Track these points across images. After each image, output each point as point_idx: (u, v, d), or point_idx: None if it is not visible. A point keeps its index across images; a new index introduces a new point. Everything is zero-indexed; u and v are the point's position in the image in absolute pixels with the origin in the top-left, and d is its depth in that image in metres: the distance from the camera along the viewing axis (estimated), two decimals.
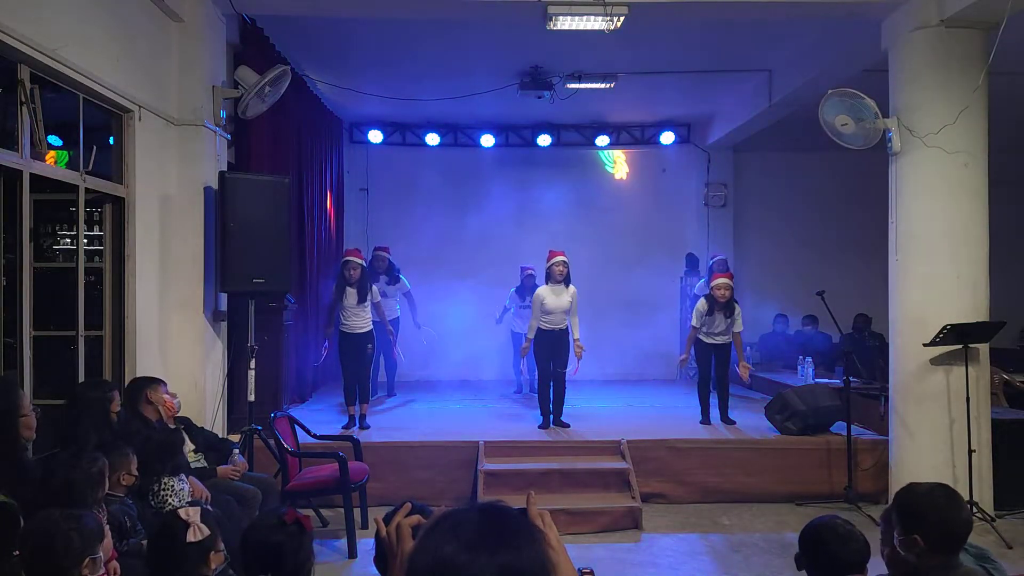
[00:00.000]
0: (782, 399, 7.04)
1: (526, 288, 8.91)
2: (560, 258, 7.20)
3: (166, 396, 4.57)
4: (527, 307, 8.25)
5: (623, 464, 6.46)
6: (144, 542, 3.27)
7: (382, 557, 1.67)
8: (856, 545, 2.52)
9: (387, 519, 1.64)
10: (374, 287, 7.35)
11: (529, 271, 9.01)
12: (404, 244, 10.11)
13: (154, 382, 4.62)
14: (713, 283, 7.41)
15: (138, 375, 5.25)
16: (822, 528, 2.57)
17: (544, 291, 7.17)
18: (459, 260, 10.67)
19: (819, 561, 2.54)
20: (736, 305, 7.35)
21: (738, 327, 7.35)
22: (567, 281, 7.16)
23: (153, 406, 4.50)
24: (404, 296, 8.90)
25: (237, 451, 5.08)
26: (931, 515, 2.46)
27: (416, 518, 1.54)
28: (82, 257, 4.98)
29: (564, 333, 7.17)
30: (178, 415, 4.80)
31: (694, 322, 7.46)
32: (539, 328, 7.18)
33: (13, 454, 3.32)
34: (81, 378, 4.86)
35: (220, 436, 5.58)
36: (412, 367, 10.07)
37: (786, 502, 6.44)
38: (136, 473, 3.63)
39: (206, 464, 4.73)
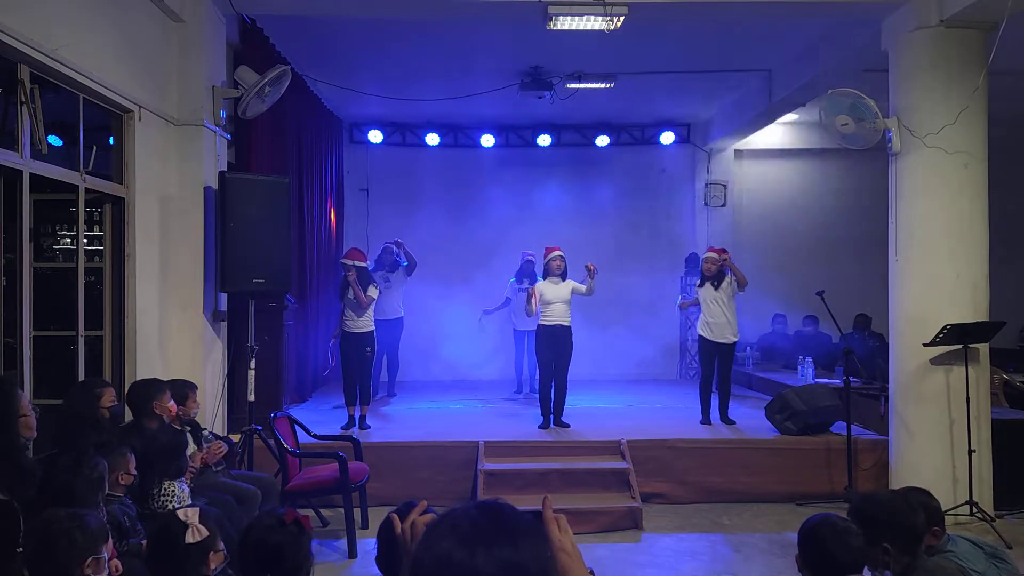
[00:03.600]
0: (782, 399, 7.04)
1: (524, 272, 8.99)
2: (557, 253, 7.27)
3: (170, 404, 4.52)
4: (525, 289, 8.26)
5: (623, 464, 6.46)
6: (144, 542, 3.27)
7: (389, 556, 1.66)
8: (854, 542, 2.52)
9: (400, 516, 1.64)
10: (372, 286, 7.25)
11: (529, 256, 9.06)
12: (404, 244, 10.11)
13: (161, 390, 4.51)
14: (703, 256, 7.64)
15: (138, 375, 5.25)
16: (819, 526, 2.56)
17: (542, 284, 7.24)
18: (459, 260, 10.67)
19: (818, 559, 2.54)
20: (726, 278, 7.39)
21: (733, 291, 7.37)
22: (564, 275, 7.22)
23: (159, 416, 4.45)
24: (408, 274, 8.80)
25: (208, 431, 5.06)
26: (896, 522, 2.58)
27: (430, 516, 1.54)
28: (82, 257, 4.98)
29: (566, 330, 7.17)
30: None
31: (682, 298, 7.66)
32: (540, 324, 7.21)
33: (12, 454, 3.32)
34: (81, 378, 4.86)
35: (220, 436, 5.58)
36: (412, 367, 10.07)
37: (786, 502, 6.44)
38: (134, 472, 3.63)
39: None
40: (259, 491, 4.75)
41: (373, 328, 7.23)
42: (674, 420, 7.67)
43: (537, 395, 7.59)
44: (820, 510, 5.63)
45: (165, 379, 4.99)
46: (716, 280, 7.40)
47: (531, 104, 9.23)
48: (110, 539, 2.70)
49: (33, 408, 3.56)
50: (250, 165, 6.98)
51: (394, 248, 8.77)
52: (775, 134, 10.87)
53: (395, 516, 1.68)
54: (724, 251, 7.64)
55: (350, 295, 7.06)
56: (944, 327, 5.75)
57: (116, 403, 4.24)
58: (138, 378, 5.18)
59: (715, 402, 7.47)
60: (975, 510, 5.76)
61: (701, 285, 7.48)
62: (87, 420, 3.95)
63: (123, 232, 5.42)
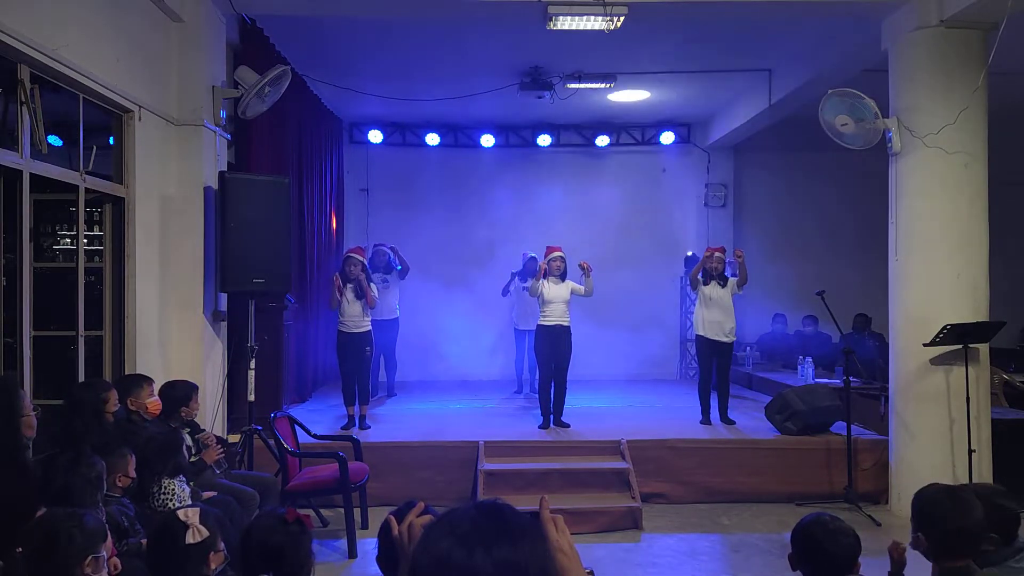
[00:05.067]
0: (782, 399, 7.04)
1: (528, 271, 8.99)
2: (557, 253, 7.27)
3: (150, 400, 4.51)
4: (528, 288, 8.31)
5: (623, 464, 6.46)
6: (144, 541, 3.27)
7: (389, 556, 1.66)
8: (846, 540, 2.52)
9: (398, 517, 1.64)
10: (372, 285, 7.31)
11: (532, 255, 9.07)
12: (404, 244, 10.06)
13: (141, 383, 4.53)
14: (707, 255, 7.58)
15: (134, 374, 5.25)
16: (812, 525, 2.58)
17: (543, 283, 7.24)
18: (459, 260, 10.67)
19: (811, 559, 2.54)
20: (730, 279, 7.46)
21: (735, 291, 7.42)
22: (564, 276, 7.23)
23: (138, 409, 4.43)
24: (400, 277, 8.80)
25: (206, 431, 5.08)
26: (935, 518, 2.49)
27: (428, 517, 1.54)
28: (82, 257, 4.98)
29: (565, 330, 7.18)
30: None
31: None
32: (540, 324, 7.22)
33: (14, 454, 3.32)
34: (81, 378, 4.86)
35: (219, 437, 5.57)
36: (412, 367, 10.07)
37: (786, 502, 6.44)
38: (133, 475, 3.62)
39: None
40: (257, 493, 4.75)
41: (371, 328, 7.25)
42: (674, 420, 7.67)
43: (537, 395, 7.59)
44: (820, 510, 5.63)
45: (165, 379, 5.01)
46: (721, 280, 7.41)
47: (531, 104, 9.23)
48: (109, 538, 2.70)
49: (34, 408, 3.57)
50: (250, 165, 6.98)
51: (387, 250, 8.79)
52: (775, 134, 10.86)
53: (392, 518, 1.68)
54: (724, 249, 7.67)
55: (350, 294, 7.08)
56: (944, 327, 5.75)
57: (119, 406, 4.24)
58: None
59: (715, 402, 7.47)
60: None
61: (707, 284, 7.46)
62: (91, 423, 3.94)
63: (123, 232, 5.42)
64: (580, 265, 7.16)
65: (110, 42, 5.03)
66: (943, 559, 2.48)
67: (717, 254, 7.52)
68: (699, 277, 7.52)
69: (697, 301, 7.65)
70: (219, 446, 4.79)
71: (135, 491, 3.73)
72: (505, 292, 9.35)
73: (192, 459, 4.62)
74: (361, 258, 7.24)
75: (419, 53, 7.96)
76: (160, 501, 3.85)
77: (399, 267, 8.72)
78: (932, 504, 2.53)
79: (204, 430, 5.09)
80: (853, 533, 2.57)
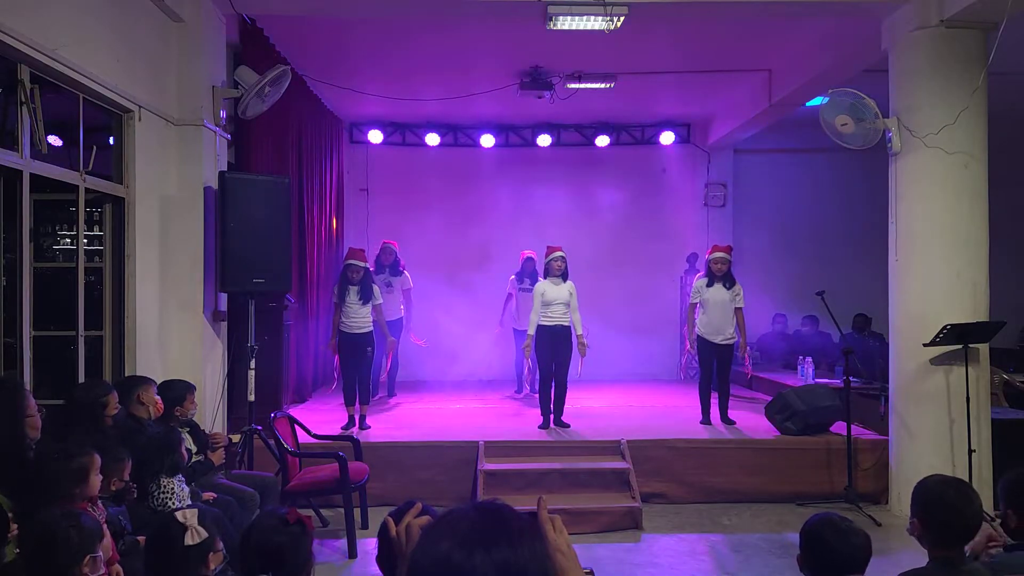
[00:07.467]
0: (782, 399, 7.04)
1: (525, 272, 8.97)
2: (558, 253, 7.25)
3: (158, 397, 4.54)
4: (528, 289, 8.32)
5: (623, 464, 6.46)
6: (140, 539, 3.27)
7: (388, 556, 1.66)
8: (856, 540, 2.49)
9: (396, 517, 1.63)
10: (376, 289, 7.33)
11: (528, 254, 9.03)
12: (404, 244, 10.09)
13: (145, 382, 4.56)
14: (710, 256, 7.45)
15: (137, 375, 5.25)
16: (821, 525, 2.55)
17: (543, 284, 7.24)
18: (459, 260, 10.68)
19: (819, 559, 2.51)
20: (737, 284, 7.39)
21: (738, 303, 7.34)
22: (565, 276, 7.22)
23: (144, 406, 4.46)
24: (403, 292, 8.86)
25: (219, 432, 5.08)
26: (935, 505, 2.53)
27: (426, 518, 1.54)
28: (82, 257, 4.99)
29: (566, 330, 7.18)
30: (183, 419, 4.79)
31: (693, 298, 7.49)
32: (540, 324, 7.20)
33: (18, 454, 3.32)
34: (81, 378, 4.86)
35: None
36: (412, 367, 10.07)
37: (786, 502, 6.44)
38: (127, 479, 3.59)
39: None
40: (257, 493, 4.75)
41: (372, 328, 7.25)
42: (674, 420, 7.67)
43: (537, 395, 7.59)
44: (820, 510, 5.60)
45: (165, 379, 5.01)
46: (727, 281, 7.35)
47: (531, 104, 9.23)
48: (110, 540, 2.70)
49: (39, 408, 3.56)
50: (250, 165, 6.98)
51: (394, 248, 8.79)
52: (775, 134, 10.87)
53: (390, 519, 1.68)
54: (730, 248, 7.59)
55: (353, 296, 7.08)
56: (944, 327, 5.75)
57: (120, 408, 4.24)
58: None
59: (715, 402, 7.46)
60: None
61: (710, 285, 7.37)
62: (90, 426, 3.93)
63: (123, 232, 5.42)
64: (581, 344, 7.16)
65: (110, 42, 5.03)
66: (937, 547, 2.51)
67: (721, 254, 7.41)
68: (703, 286, 7.42)
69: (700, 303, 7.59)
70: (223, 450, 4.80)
71: (119, 493, 3.68)
72: (508, 298, 9.26)
73: (197, 458, 4.63)
74: (364, 264, 7.19)
75: (419, 53, 7.96)
76: (159, 500, 3.84)
77: (403, 270, 8.76)
78: (934, 493, 2.57)
79: (204, 430, 5.09)
80: (863, 534, 2.53)
